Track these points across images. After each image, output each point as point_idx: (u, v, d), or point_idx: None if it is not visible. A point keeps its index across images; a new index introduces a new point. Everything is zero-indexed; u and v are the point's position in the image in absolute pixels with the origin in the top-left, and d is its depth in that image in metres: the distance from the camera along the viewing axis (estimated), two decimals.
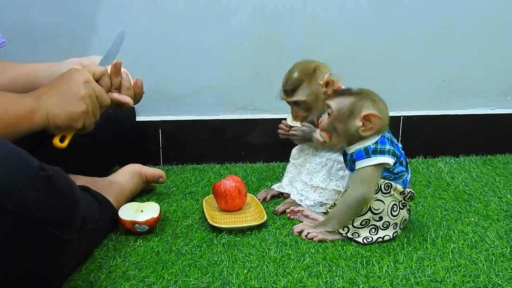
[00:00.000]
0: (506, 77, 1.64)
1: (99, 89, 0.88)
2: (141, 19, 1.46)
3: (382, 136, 1.00)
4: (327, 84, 1.11)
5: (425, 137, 1.61)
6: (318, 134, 1.06)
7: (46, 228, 0.63)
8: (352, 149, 1.00)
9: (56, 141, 0.86)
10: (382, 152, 0.98)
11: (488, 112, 1.64)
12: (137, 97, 0.98)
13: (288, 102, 1.16)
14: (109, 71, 0.93)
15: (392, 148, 0.99)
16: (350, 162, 1.02)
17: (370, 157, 0.98)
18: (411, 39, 1.55)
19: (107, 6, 1.43)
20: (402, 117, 1.59)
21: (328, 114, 1.01)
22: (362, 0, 1.50)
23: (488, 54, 1.60)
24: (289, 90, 1.13)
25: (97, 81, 0.90)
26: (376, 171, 0.98)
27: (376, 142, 0.98)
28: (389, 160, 0.98)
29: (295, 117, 1.19)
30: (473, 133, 1.63)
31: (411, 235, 1.04)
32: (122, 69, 0.95)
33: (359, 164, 0.99)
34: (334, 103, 0.99)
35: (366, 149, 0.98)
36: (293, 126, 1.23)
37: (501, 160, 1.58)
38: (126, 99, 0.94)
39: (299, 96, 1.13)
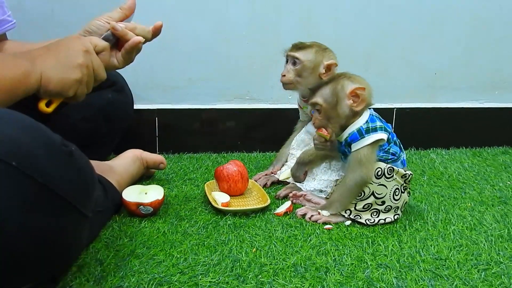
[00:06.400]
0: (494, 72, 1.68)
1: (98, 62, 0.85)
2: (138, 8, 1.43)
3: (370, 114, 1.03)
4: (329, 68, 1.15)
5: (417, 128, 1.64)
6: (317, 139, 1.07)
7: (70, 202, 0.63)
8: (346, 134, 1.02)
9: (42, 105, 0.80)
10: (375, 130, 1.00)
11: (477, 105, 1.69)
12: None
13: (287, 60, 1.19)
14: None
15: (382, 124, 1.02)
16: (346, 147, 1.03)
17: (364, 137, 1.00)
18: (404, 34, 1.59)
19: None
20: (395, 109, 1.62)
21: (318, 110, 1.03)
22: None
23: (477, 50, 1.65)
24: (296, 46, 1.18)
25: (98, 54, 0.86)
26: (372, 150, 1.00)
27: (367, 121, 1.01)
28: (383, 135, 1.00)
29: (287, 72, 1.18)
30: (463, 125, 1.67)
31: (412, 218, 1.06)
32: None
33: (355, 146, 1.01)
34: (318, 98, 1.02)
35: (359, 130, 1.00)
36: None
37: (489, 152, 1.62)
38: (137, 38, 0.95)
39: (300, 55, 1.16)
